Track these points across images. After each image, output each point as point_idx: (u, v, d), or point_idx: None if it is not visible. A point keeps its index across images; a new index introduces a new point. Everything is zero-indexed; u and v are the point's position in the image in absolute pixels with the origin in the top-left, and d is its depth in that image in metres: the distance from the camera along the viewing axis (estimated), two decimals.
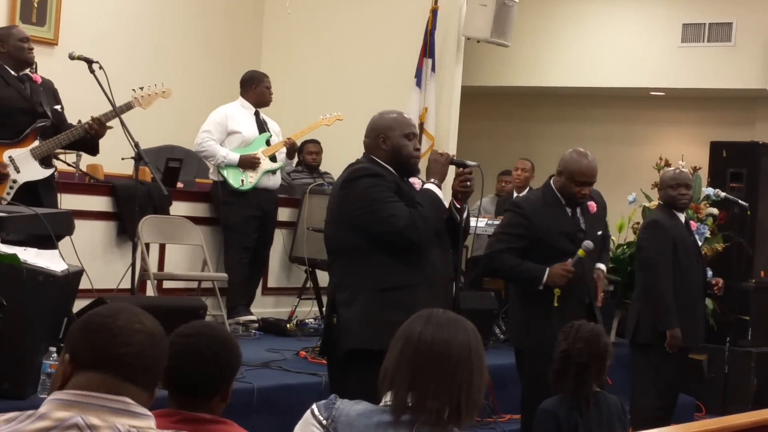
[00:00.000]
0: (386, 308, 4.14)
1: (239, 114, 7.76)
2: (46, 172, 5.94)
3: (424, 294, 4.18)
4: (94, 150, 6.16)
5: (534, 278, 5.01)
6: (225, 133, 7.68)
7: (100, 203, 7.20)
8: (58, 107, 6.08)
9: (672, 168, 6.58)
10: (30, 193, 5.82)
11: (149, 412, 1.97)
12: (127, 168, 6.95)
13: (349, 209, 4.31)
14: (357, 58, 10.36)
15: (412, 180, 4.49)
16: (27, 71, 6.04)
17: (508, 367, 6.90)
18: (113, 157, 7.57)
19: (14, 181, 5.78)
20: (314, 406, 2.47)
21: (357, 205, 4.28)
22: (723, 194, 7.98)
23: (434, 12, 9.78)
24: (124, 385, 1.95)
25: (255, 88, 7.78)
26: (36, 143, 5.87)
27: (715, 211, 8.10)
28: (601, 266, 5.34)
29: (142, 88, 6.35)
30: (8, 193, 5.74)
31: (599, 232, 5.30)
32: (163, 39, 10.07)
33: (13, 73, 5.93)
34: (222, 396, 2.66)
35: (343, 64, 10.42)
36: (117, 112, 6.03)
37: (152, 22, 10.00)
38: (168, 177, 7.59)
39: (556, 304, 4.96)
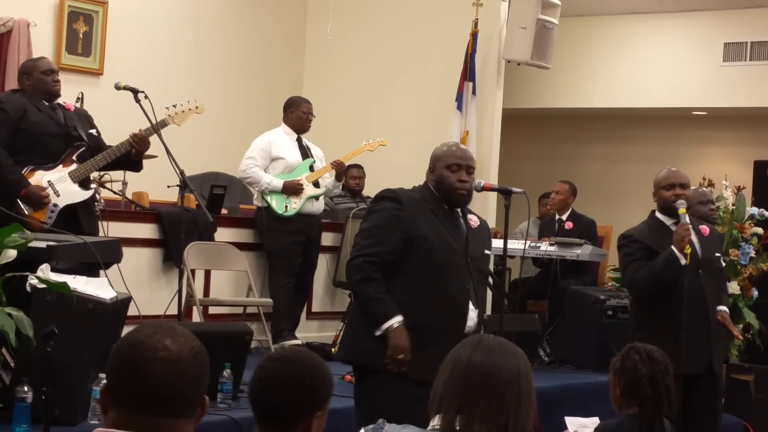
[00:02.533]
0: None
1: (282, 140, 7.82)
2: (85, 194, 5.95)
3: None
4: (137, 166, 6.17)
5: (667, 259, 5.25)
6: (269, 159, 7.74)
7: (147, 230, 7.27)
8: (93, 131, 6.11)
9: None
10: (69, 216, 5.84)
11: None
12: (172, 195, 7.03)
13: None
14: (398, 83, 10.41)
15: (469, 216, 4.53)
16: (59, 101, 6.07)
17: (553, 389, 6.92)
18: (158, 185, 7.66)
19: (55, 205, 5.80)
20: (362, 430, 2.48)
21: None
22: (766, 213, 7.94)
23: (474, 35, 9.82)
24: (153, 420, 1.91)
25: (292, 113, 7.84)
26: (74, 166, 5.91)
27: (759, 230, 8.04)
28: (723, 308, 5.58)
29: (175, 106, 6.37)
30: (50, 218, 5.76)
31: (717, 254, 5.58)
32: (204, 65, 10.18)
33: (45, 102, 5.99)
34: (305, 426, 2.57)
35: (384, 89, 10.47)
36: (153, 129, 6.05)
37: (193, 49, 10.11)
38: (213, 203, 7.66)
39: (688, 262, 5.19)
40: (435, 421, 2.43)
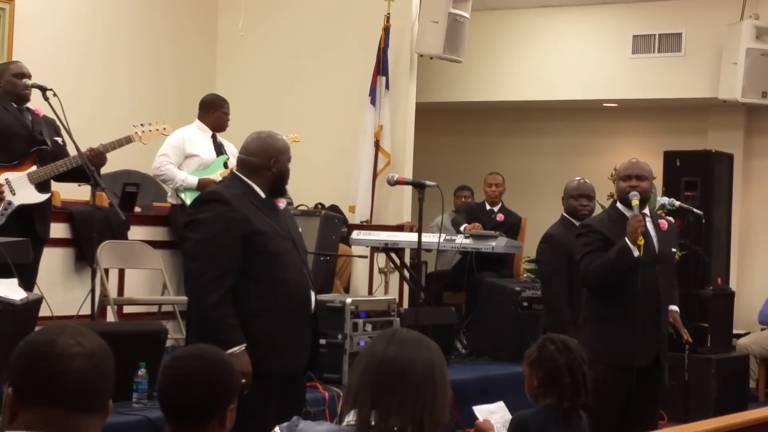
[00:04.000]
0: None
1: (196, 137, 7.76)
2: (42, 197, 5.95)
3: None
4: (87, 178, 6.09)
5: (620, 249, 5.25)
6: (183, 156, 7.68)
7: (58, 230, 7.15)
8: (59, 139, 6.11)
9: (576, 178, 6.68)
10: (23, 218, 5.84)
11: None
12: (84, 194, 6.92)
13: None
14: (311, 78, 10.40)
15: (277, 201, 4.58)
16: (28, 106, 6.09)
17: (470, 381, 6.97)
18: (70, 184, 7.54)
19: (9, 203, 5.79)
20: (277, 429, 2.47)
21: None
22: (678, 203, 8.07)
23: (386, 30, 9.84)
24: (72, 415, 1.89)
25: (213, 113, 7.79)
26: (34, 168, 5.89)
27: (671, 219, 8.15)
28: (674, 308, 5.65)
29: (142, 125, 6.47)
30: (2, 214, 5.75)
31: (673, 249, 5.62)
32: (115, 62, 10.05)
33: (13, 104, 5.97)
34: (220, 420, 2.60)
35: (297, 84, 10.46)
36: (116, 145, 6.14)
37: (103, 46, 9.97)
38: (125, 202, 7.56)
39: (641, 254, 5.20)
40: (350, 417, 2.43)
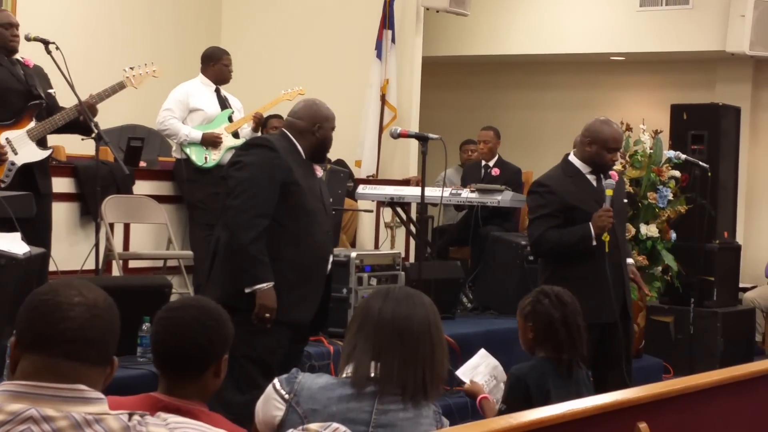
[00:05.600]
0: None
1: (200, 91, 7.72)
2: (43, 154, 5.87)
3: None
4: (87, 130, 6.05)
5: (583, 236, 5.19)
6: (187, 110, 7.65)
7: (63, 185, 7.14)
8: (51, 91, 6.00)
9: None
10: (26, 176, 5.75)
11: (102, 396, 1.91)
12: (89, 149, 6.91)
13: None
14: (317, 32, 10.35)
15: (315, 167, 4.84)
16: (17, 57, 5.92)
17: (476, 335, 6.98)
18: (75, 138, 7.52)
19: (12, 164, 5.70)
20: (276, 381, 2.48)
21: None
22: (684, 156, 8.04)
23: None
24: (69, 364, 1.89)
25: (213, 66, 7.75)
26: (32, 124, 5.79)
27: (677, 173, 8.14)
28: (631, 261, 5.63)
29: (132, 68, 6.38)
30: (7, 176, 5.66)
31: (624, 200, 5.57)
32: (122, 18, 10.02)
33: (4, 57, 5.83)
34: (215, 370, 2.63)
35: (303, 38, 10.40)
36: (110, 92, 6.06)
37: (106, 1, 9.92)
38: (130, 156, 7.56)
39: (607, 250, 5.16)
40: (348, 370, 2.43)
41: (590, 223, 5.18)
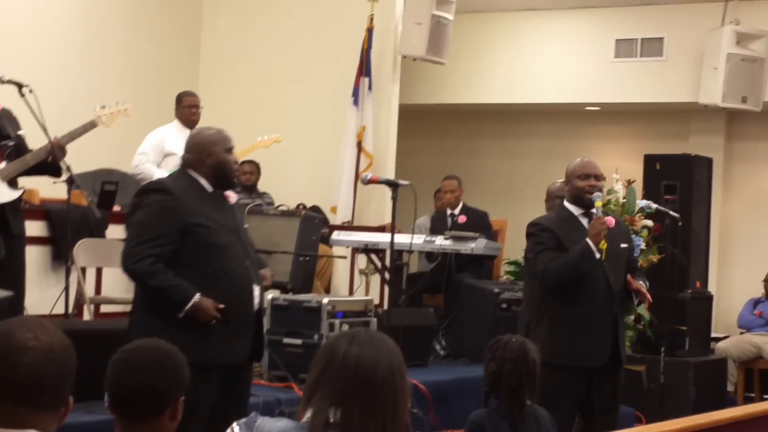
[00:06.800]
0: None
1: (175, 135, 7.74)
2: (14, 194, 5.81)
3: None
4: (57, 171, 6.01)
5: (582, 251, 5.18)
6: (162, 155, 7.67)
7: (35, 228, 7.13)
8: (21, 132, 5.95)
9: (559, 181, 6.66)
10: None
11: None
12: (63, 192, 6.88)
13: None
14: (294, 78, 10.40)
15: (227, 193, 4.69)
16: None
17: (448, 382, 6.97)
18: (48, 182, 7.51)
19: None
20: (234, 425, 2.46)
21: None
22: (655, 206, 8.09)
23: (370, 31, 9.85)
24: (20, 410, 1.86)
25: (179, 109, 7.80)
26: (2, 164, 5.75)
27: (649, 223, 8.19)
28: (640, 282, 5.52)
29: (103, 107, 6.27)
30: None
31: (622, 245, 5.47)
32: (95, 61, 10.01)
33: None
34: (171, 413, 2.60)
35: (280, 84, 10.45)
36: (80, 131, 5.97)
37: (84, 45, 9.95)
38: (104, 200, 7.55)
39: (603, 257, 5.16)
40: (307, 415, 2.42)
41: (585, 240, 5.20)
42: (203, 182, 4.54)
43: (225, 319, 4.39)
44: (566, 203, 5.46)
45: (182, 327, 4.27)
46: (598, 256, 5.19)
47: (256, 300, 4.56)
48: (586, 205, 5.33)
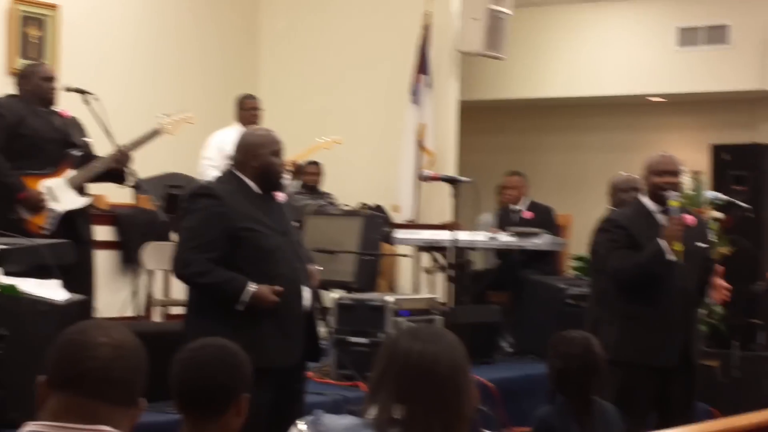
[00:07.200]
0: None
1: (235, 138, 7.77)
2: (84, 201, 5.93)
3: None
4: (122, 178, 6.12)
5: (655, 252, 5.08)
6: (223, 158, 7.71)
7: (104, 233, 7.22)
8: (88, 140, 6.07)
9: (621, 173, 6.59)
10: (68, 223, 5.81)
11: None
12: (131, 197, 7.00)
13: None
14: (353, 78, 10.42)
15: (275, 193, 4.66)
16: (54, 108, 6.01)
17: (515, 379, 6.94)
18: (115, 187, 7.62)
19: (54, 211, 5.76)
20: (299, 423, 2.47)
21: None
22: (724, 197, 7.99)
23: (427, 28, 9.83)
24: (93, 404, 1.91)
25: (240, 112, 7.87)
26: (71, 172, 5.86)
27: (719, 214, 8.08)
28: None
29: (167, 115, 6.39)
30: (51, 224, 5.73)
31: (700, 244, 5.34)
32: (160, 68, 10.13)
33: (41, 108, 5.92)
34: (236, 410, 2.63)
35: (339, 85, 10.48)
36: (145, 139, 6.08)
37: (148, 52, 10.06)
38: (170, 204, 7.62)
39: (680, 259, 5.04)
40: (372, 412, 2.42)
41: (657, 240, 5.09)
42: (250, 184, 4.54)
43: (276, 321, 4.41)
44: (643, 198, 5.36)
45: (235, 330, 4.19)
46: (671, 258, 5.08)
47: (306, 301, 4.56)
48: (662, 201, 5.22)
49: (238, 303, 4.35)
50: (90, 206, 6.09)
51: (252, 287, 4.35)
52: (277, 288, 4.38)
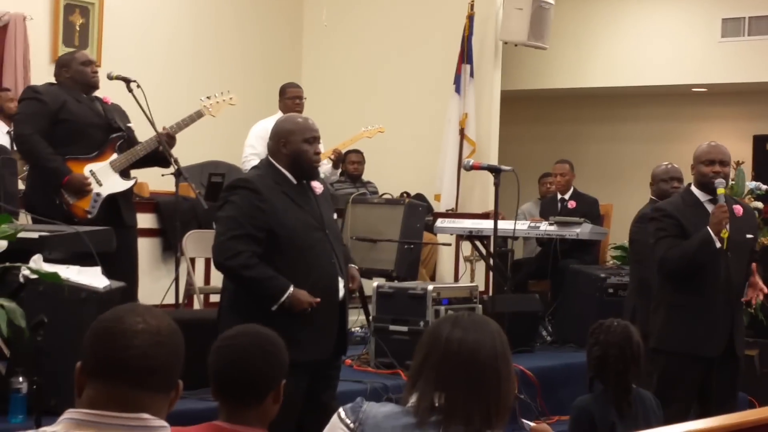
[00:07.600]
0: None
1: None
2: (127, 184, 5.95)
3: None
4: (166, 162, 6.13)
5: (702, 240, 5.06)
6: (266, 146, 7.74)
7: (145, 220, 7.27)
8: (130, 125, 6.09)
9: (663, 163, 6.56)
10: (111, 207, 5.84)
11: (166, 424, 1.92)
12: (171, 185, 7.02)
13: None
14: (395, 68, 10.42)
15: (313, 183, 4.59)
16: (96, 94, 6.03)
17: (555, 368, 6.93)
18: (157, 175, 7.67)
19: (98, 195, 5.79)
20: (341, 410, 2.47)
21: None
22: (765, 187, 7.93)
23: (470, 18, 9.82)
24: (133, 393, 1.90)
25: (282, 101, 7.88)
26: (115, 156, 5.90)
27: (759, 204, 8.02)
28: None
29: (209, 97, 6.39)
30: (93, 207, 5.76)
31: (748, 235, 5.32)
32: (202, 54, 10.19)
33: (83, 94, 5.97)
34: (274, 396, 2.64)
35: (381, 74, 10.48)
36: (188, 121, 6.08)
37: (190, 38, 10.12)
38: (211, 192, 7.65)
39: (725, 246, 5.01)
40: (413, 399, 2.42)
41: (707, 228, 5.08)
42: (286, 173, 4.48)
43: (311, 316, 4.38)
44: (693, 188, 5.35)
45: (268, 323, 4.29)
46: (718, 245, 5.05)
47: (341, 293, 4.54)
48: (710, 191, 5.20)
49: (275, 303, 4.34)
50: (132, 191, 6.11)
51: (291, 289, 4.33)
52: (315, 300, 4.35)
